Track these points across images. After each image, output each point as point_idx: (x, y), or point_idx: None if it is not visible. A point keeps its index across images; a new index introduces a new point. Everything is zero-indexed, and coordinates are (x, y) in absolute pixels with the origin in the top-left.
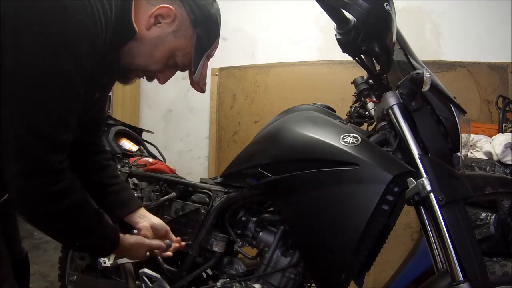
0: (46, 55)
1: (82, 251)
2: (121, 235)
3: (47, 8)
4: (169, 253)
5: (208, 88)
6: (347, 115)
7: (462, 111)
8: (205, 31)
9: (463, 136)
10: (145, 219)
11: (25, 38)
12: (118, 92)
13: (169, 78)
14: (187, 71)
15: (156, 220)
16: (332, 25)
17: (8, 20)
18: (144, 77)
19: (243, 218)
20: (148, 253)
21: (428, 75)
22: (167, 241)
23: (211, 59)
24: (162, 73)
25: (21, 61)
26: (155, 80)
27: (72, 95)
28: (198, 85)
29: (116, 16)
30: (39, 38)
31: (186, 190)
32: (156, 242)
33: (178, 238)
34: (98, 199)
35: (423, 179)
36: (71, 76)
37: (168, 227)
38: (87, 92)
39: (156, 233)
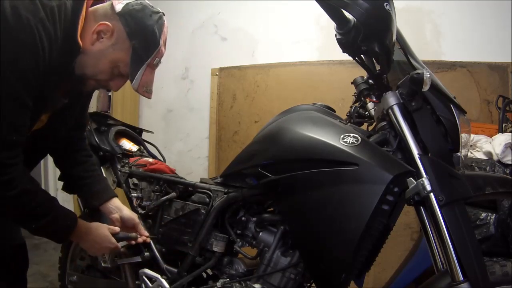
0: None
1: (40, 234)
2: (84, 222)
3: None
4: (139, 241)
5: (208, 88)
6: (347, 115)
7: (462, 111)
8: (142, 42)
9: (463, 136)
10: (117, 210)
11: None
12: (118, 92)
13: (120, 86)
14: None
15: (126, 213)
16: (332, 25)
17: None
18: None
19: (243, 218)
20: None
21: (428, 75)
22: (134, 234)
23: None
24: (112, 81)
25: None
26: (155, 80)
27: (18, 104)
28: (140, 92)
29: (65, 33)
30: None
31: (186, 190)
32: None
33: (146, 234)
34: (77, 190)
35: (423, 179)
36: (16, 89)
37: (137, 221)
38: (43, 99)
39: (124, 225)
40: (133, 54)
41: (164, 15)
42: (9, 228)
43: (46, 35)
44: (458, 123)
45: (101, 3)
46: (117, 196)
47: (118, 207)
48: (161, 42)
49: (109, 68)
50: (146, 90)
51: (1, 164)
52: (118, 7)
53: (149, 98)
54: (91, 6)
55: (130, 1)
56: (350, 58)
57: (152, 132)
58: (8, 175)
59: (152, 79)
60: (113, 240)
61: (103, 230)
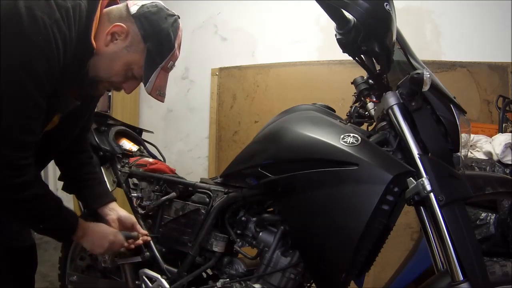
0: (7, 75)
1: (45, 234)
2: (84, 221)
3: (6, 32)
4: (139, 242)
5: (208, 88)
6: (347, 115)
7: (462, 111)
8: (156, 44)
9: (463, 136)
10: (114, 212)
11: None
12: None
13: (133, 89)
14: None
15: (123, 213)
16: (332, 25)
17: None
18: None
19: (243, 218)
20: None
21: (428, 75)
22: (135, 233)
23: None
24: (125, 83)
25: None
26: None
27: (32, 105)
28: (154, 95)
29: (80, 35)
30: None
31: (186, 190)
32: (120, 237)
33: (145, 232)
34: (77, 191)
35: (423, 179)
36: (29, 90)
37: (134, 220)
38: (56, 100)
39: (122, 225)
40: (147, 57)
41: (179, 18)
42: (21, 229)
43: (61, 37)
44: (458, 123)
45: (116, 4)
46: (115, 200)
47: (115, 209)
48: (176, 46)
49: (123, 70)
50: (159, 94)
51: (15, 165)
52: (133, 8)
53: (162, 101)
54: (106, 7)
55: (145, 3)
56: (350, 58)
57: (152, 132)
58: (22, 177)
59: (166, 82)
60: (117, 237)
61: (104, 228)
